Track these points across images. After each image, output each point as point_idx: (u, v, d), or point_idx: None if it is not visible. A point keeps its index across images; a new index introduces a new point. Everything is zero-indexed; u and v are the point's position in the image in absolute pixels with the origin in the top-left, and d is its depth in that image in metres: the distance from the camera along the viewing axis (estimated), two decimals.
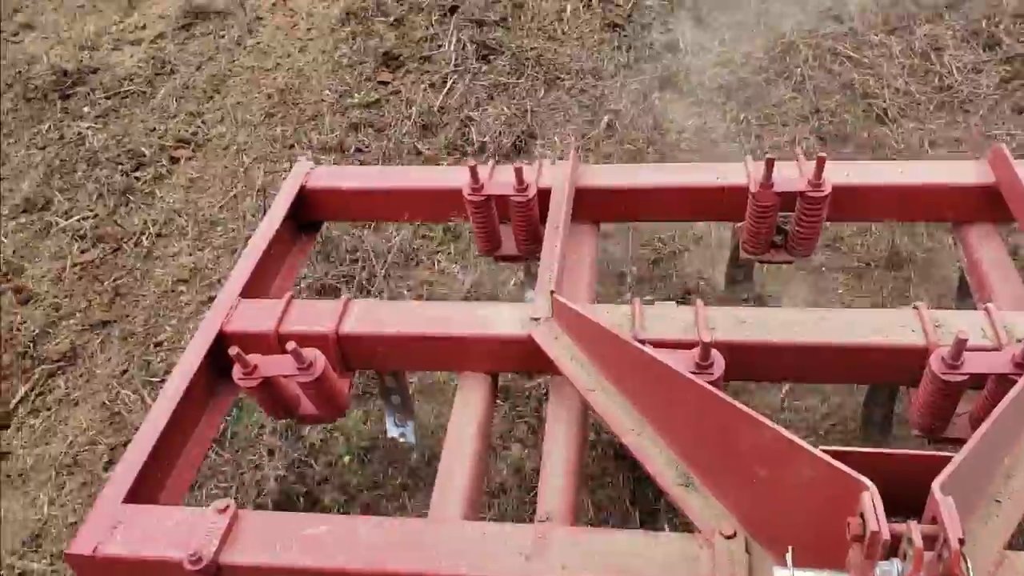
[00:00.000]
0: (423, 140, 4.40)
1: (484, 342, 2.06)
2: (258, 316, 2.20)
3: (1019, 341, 1.81)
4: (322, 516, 1.77)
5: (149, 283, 3.88)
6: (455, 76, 4.79)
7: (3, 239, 4.20)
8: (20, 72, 5.40)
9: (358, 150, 4.39)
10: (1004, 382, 1.70)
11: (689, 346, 1.85)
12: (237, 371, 1.97)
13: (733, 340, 1.95)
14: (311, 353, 1.94)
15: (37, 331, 3.69)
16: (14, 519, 3.01)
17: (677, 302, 2.20)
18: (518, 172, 2.33)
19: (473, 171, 2.35)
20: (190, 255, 3.98)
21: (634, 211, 2.59)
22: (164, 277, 3.89)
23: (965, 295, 2.37)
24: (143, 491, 1.88)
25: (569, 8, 5.25)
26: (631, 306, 2.05)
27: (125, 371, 3.48)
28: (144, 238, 4.10)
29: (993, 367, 1.72)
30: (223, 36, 5.56)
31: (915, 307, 1.93)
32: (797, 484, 1.41)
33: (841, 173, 2.34)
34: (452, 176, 2.56)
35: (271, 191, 4.11)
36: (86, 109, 5.06)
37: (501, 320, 2.08)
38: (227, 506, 1.74)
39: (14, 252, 4.14)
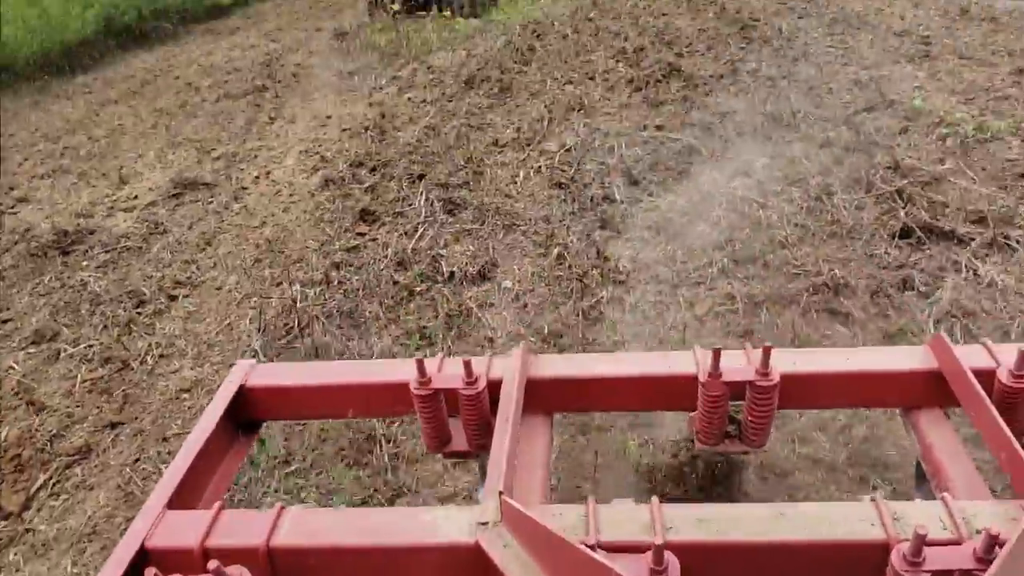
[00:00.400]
0: (399, 272, 4.99)
1: (427, 552, 1.92)
2: (183, 529, 2.04)
3: (979, 532, 1.74)
4: None
5: (155, 393, 4.28)
6: (425, 225, 5.49)
7: (14, 365, 4.56)
8: (20, 235, 5.96)
9: (340, 283, 4.93)
10: None
11: (645, 549, 1.75)
12: None
13: (691, 540, 1.85)
14: (236, 571, 1.80)
15: (53, 431, 4.03)
16: None
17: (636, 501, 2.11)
18: (467, 365, 2.29)
19: (420, 364, 2.30)
20: (191, 369, 4.42)
21: (587, 401, 2.54)
22: (168, 387, 4.30)
23: (924, 479, 2.32)
24: None
25: (522, 174, 6.18)
26: (585, 506, 1.96)
27: (137, 459, 3.81)
28: (148, 358, 4.54)
29: (955, 563, 1.65)
30: (211, 202, 6.37)
31: (872, 499, 1.87)
32: None
33: (788, 361, 2.35)
34: (398, 369, 2.50)
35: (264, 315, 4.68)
36: (85, 263, 5.60)
37: (446, 526, 1.96)
38: None
39: (25, 375, 4.49)
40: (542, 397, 2.47)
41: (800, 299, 4.38)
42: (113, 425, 4.05)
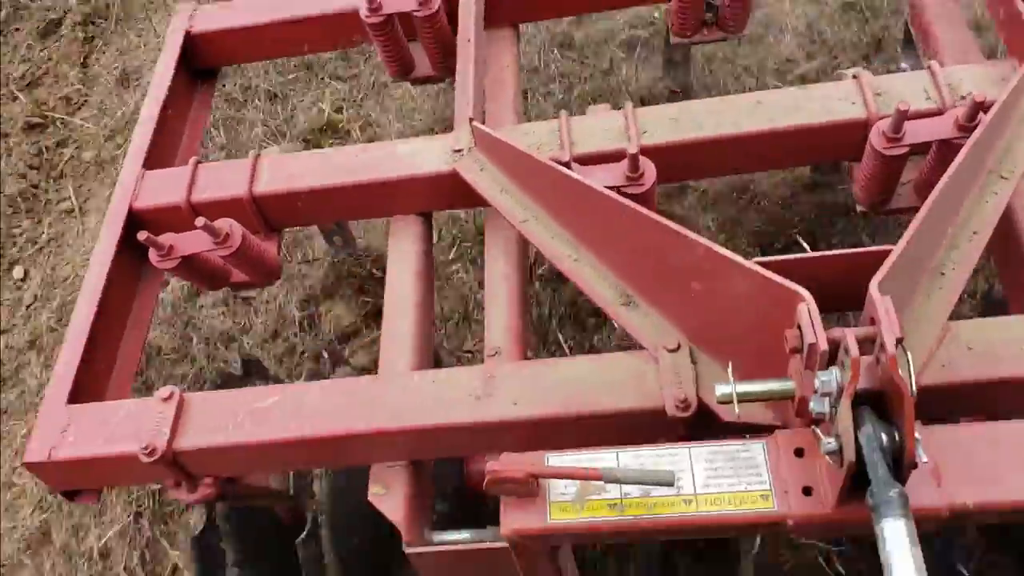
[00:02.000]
0: None
1: (407, 184, 1.93)
2: (165, 187, 2.05)
3: (963, 98, 1.70)
4: (269, 388, 1.74)
5: None
6: None
7: None
8: None
9: None
10: (948, 148, 1.62)
11: (621, 156, 1.74)
12: (153, 255, 1.87)
13: (668, 142, 1.83)
14: (225, 224, 1.83)
15: None
16: None
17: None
18: None
19: None
20: None
21: (555, 5, 2.37)
22: None
23: (912, 49, 2.22)
24: (86, 389, 1.84)
25: None
26: (558, 120, 1.91)
27: None
28: None
29: (935, 134, 1.63)
30: None
31: (855, 76, 1.80)
32: (734, 296, 1.36)
33: None
34: None
35: None
36: None
37: (422, 157, 1.94)
38: (171, 393, 1.70)
39: None
40: (506, 6, 2.29)
41: None
42: None
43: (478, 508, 2.04)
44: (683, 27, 2.20)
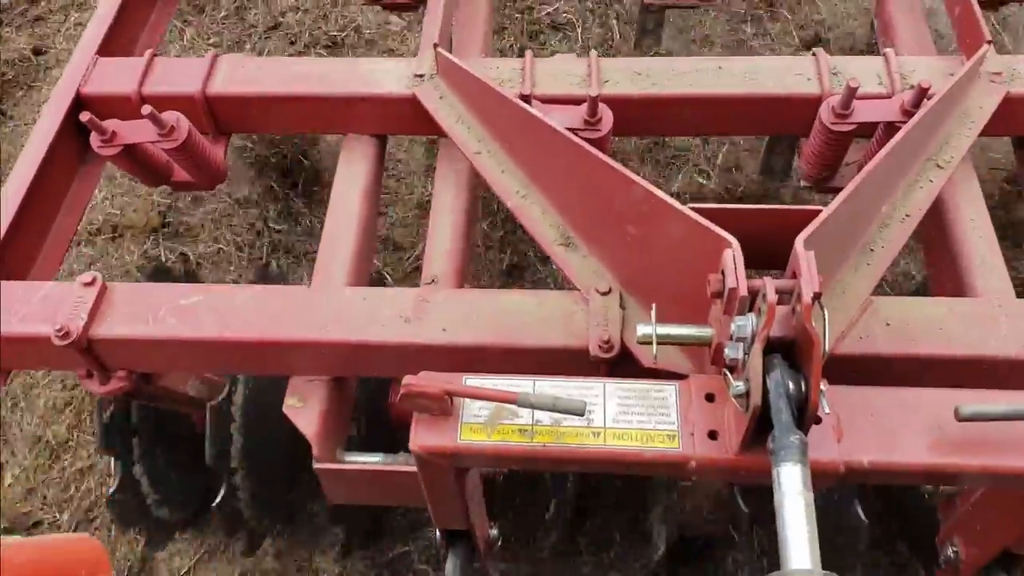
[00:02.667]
0: None
1: (365, 102, 1.92)
2: (117, 76, 2.00)
3: (912, 88, 1.74)
4: (196, 286, 1.72)
5: None
6: None
7: None
8: None
9: None
10: (891, 130, 1.65)
11: (581, 101, 1.75)
12: (95, 139, 1.82)
13: (627, 94, 1.84)
14: (171, 116, 1.79)
15: None
16: None
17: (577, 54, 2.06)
18: None
19: None
20: None
21: None
22: None
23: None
24: (8, 266, 1.79)
25: None
26: (522, 60, 1.91)
27: None
28: None
29: (881, 115, 1.67)
30: None
31: (814, 53, 1.84)
32: (666, 241, 1.38)
33: None
34: None
35: None
36: None
37: (383, 77, 1.92)
38: (94, 279, 1.66)
39: None
40: None
41: None
42: None
43: (395, 438, 2.05)
44: None
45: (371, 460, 1.69)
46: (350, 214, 1.87)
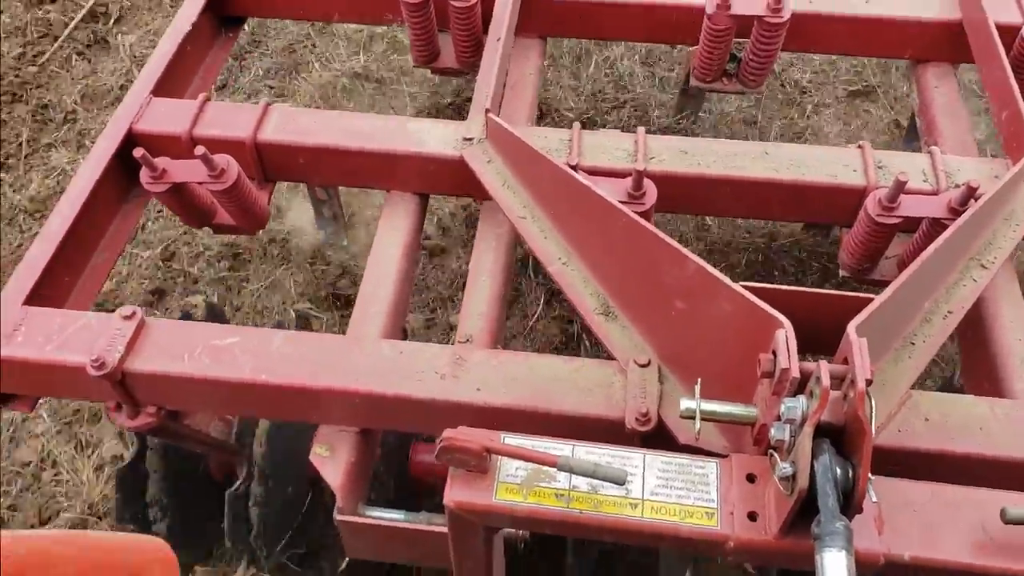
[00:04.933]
0: None
1: (412, 160, 1.95)
2: (171, 116, 2.04)
3: (957, 187, 1.77)
4: (234, 327, 1.72)
5: None
6: None
7: None
8: None
9: None
10: (936, 227, 1.68)
11: (625, 175, 1.78)
12: (145, 175, 1.85)
13: (672, 171, 1.87)
14: (223, 159, 1.82)
15: None
16: None
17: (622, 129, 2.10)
18: None
19: None
20: None
21: (585, 27, 2.42)
22: None
23: (913, 137, 2.31)
24: (47, 294, 1.80)
25: None
26: (570, 131, 1.95)
27: None
28: None
29: (928, 211, 1.69)
30: None
31: (859, 145, 1.87)
32: (714, 318, 1.38)
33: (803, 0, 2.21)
34: None
35: None
36: None
37: (432, 138, 1.96)
38: (133, 312, 1.67)
39: None
40: (538, 18, 2.35)
41: None
42: None
43: (413, 497, 2.02)
44: (704, 73, 2.26)
45: (394, 516, 1.67)
46: (389, 267, 1.89)
